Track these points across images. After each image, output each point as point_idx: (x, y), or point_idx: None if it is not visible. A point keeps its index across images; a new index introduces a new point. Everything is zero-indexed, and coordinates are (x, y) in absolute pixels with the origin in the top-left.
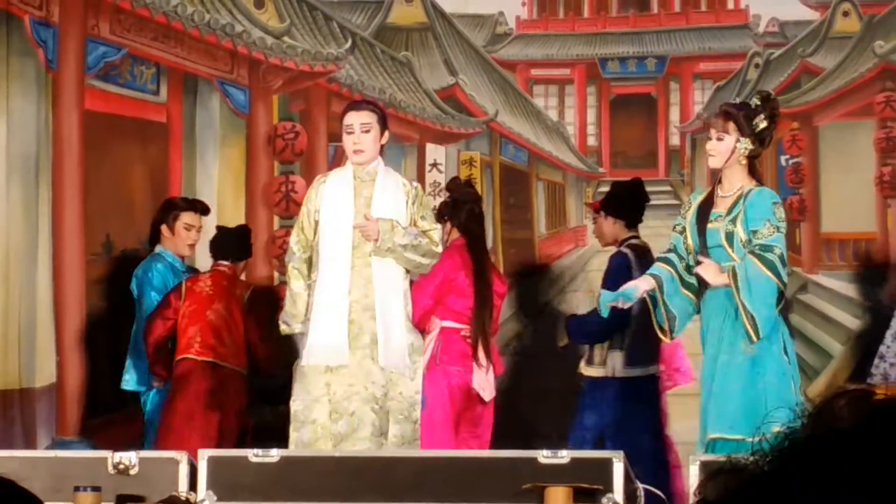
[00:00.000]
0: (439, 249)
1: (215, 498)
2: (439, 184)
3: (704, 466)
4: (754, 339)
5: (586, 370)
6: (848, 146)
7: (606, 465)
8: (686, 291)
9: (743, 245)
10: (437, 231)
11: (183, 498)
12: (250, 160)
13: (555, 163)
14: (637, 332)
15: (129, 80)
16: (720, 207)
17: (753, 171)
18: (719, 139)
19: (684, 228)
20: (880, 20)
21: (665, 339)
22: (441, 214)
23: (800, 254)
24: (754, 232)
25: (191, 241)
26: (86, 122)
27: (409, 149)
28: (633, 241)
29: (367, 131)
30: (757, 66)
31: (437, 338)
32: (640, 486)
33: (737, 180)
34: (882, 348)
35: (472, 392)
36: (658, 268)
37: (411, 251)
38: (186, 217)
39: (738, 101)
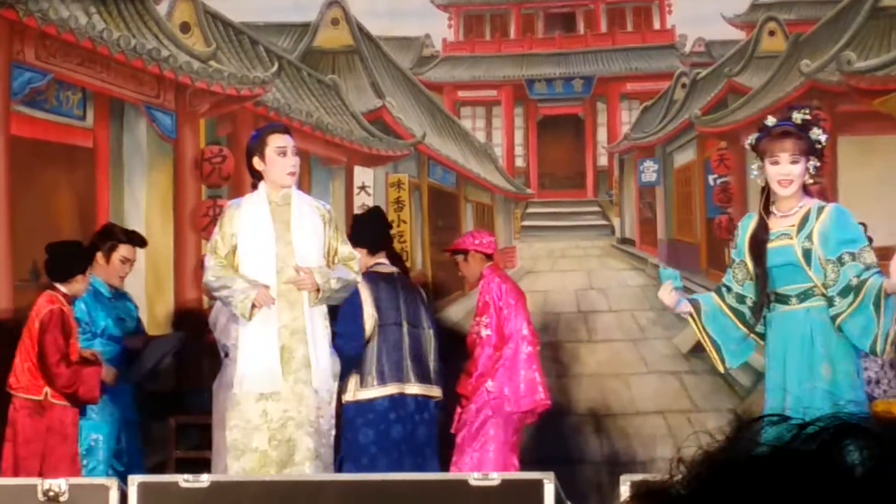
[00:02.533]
0: (359, 279)
1: None
2: (368, 207)
3: (634, 487)
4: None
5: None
6: None
7: (537, 486)
8: (735, 319)
9: (822, 263)
10: (356, 260)
11: None
12: (178, 184)
13: (483, 184)
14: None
15: (56, 106)
16: (780, 226)
17: (805, 187)
18: (795, 162)
19: (735, 261)
20: (806, 39)
21: (718, 367)
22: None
23: None
24: (852, 255)
25: (123, 274)
26: (12, 148)
27: (336, 171)
28: (378, 267)
29: (297, 154)
30: (684, 85)
31: None
32: None
33: (796, 198)
34: (871, 373)
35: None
36: (706, 295)
37: (342, 291)
38: (124, 250)
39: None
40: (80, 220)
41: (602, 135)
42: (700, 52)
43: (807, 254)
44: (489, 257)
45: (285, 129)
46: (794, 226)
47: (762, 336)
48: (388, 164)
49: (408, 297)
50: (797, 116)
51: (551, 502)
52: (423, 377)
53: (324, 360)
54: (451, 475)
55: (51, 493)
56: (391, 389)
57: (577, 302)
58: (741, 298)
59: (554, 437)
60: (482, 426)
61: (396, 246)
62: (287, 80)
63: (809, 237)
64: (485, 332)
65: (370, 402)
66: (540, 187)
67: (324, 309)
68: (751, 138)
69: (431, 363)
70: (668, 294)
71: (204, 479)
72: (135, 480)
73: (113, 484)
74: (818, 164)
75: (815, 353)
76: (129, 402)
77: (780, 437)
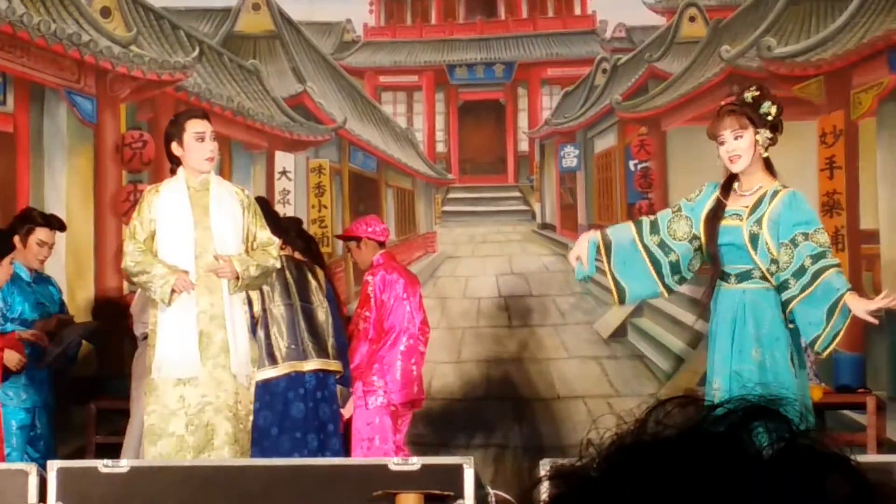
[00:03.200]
0: (278, 265)
1: None
2: (289, 191)
3: (549, 470)
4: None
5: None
6: (696, 150)
7: (457, 471)
8: (648, 262)
9: (770, 249)
10: (275, 246)
11: None
12: (98, 170)
13: (404, 169)
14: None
15: None
16: (736, 205)
17: (771, 168)
18: (738, 137)
19: (682, 213)
20: (726, 25)
21: (615, 303)
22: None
23: None
24: (805, 234)
25: (42, 257)
26: None
27: (257, 157)
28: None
29: (215, 139)
30: (604, 71)
31: None
32: (492, 491)
33: (757, 178)
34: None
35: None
36: (622, 227)
37: (261, 278)
38: (41, 233)
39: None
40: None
41: (523, 120)
42: (621, 37)
43: (753, 238)
44: (382, 245)
45: (204, 115)
46: (747, 207)
47: (670, 291)
48: (309, 150)
49: (297, 275)
50: (747, 95)
51: (471, 487)
52: (321, 352)
53: (242, 346)
54: (371, 460)
55: None
56: (286, 368)
57: (498, 287)
58: (666, 249)
59: (475, 422)
60: (371, 415)
61: (317, 231)
62: (208, 65)
63: (759, 222)
64: (362, 326)
65: (265, 383)
66: (461, 172)
67: (243, 295)
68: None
69: (329, 338)
70: (573, 252)
71: (123, 465)
72: (54, 466)
73: (32, 469)
74: (770, 135)
75: (745, 334)
76: (46, 388)
77: (689, 419)
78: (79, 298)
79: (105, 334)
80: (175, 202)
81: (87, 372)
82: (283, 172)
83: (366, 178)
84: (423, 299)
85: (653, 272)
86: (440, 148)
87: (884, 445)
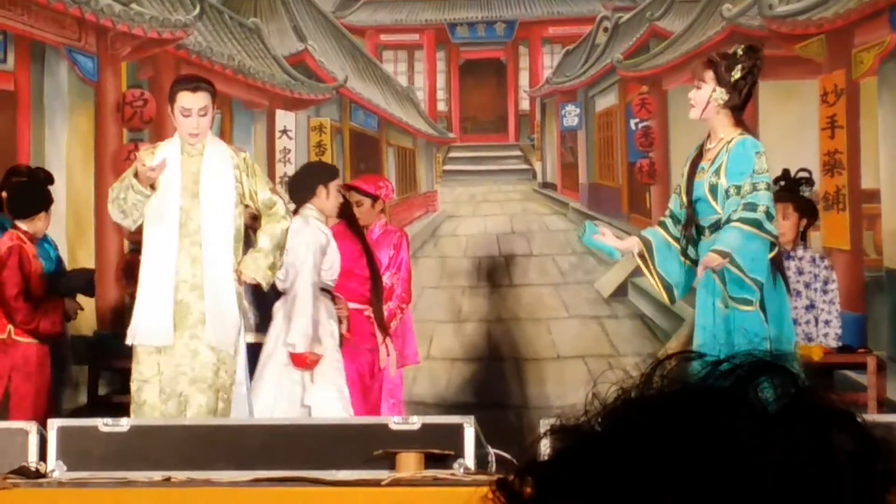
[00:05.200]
0: (289, 222)
1: (65, 468)
2: (289, 150)
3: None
4: (754, 304)
5: None
6: None
7: (457, 430)
8: (684, 258)
9: (727, 195)
10: (280, 203)
11: (33, 468)
12: (99, 128)
13: (405, 128)
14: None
15: None
16: (705, 159)
17: (740, 122)
18: (697, 87)
19: (678, 186)
20: None
21: (665, 301)
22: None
23: (650, 217)
24: (737, 188)
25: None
26: None
27: (258, 115)
28: None
29: (204, 115)
30: (606, 30)
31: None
32: (491, 450)
33: (720, 131)
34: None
35: (380, 366)
36: (651, 230)
37: (279, 250)
38: None
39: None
40: (0, 164)
41: (524, 79)
42: None
43: (713, 188)
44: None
45: (196, 87)
46: (710, 160)
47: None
48: (310, 108)
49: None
50: (738, 50)
51: (471, 446)
52: (260, 325)
53: (227, 317)
54: (372, 419)
55: None
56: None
57: (499, 246)
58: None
59: (475, 381)
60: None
61: None
62: (209, 24)
63: (717, 172)
64: (400, 286)
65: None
66: (462, 131)
67: (231, 264)
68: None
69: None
70: (613, 240)
71: (124, 423)
72: (54, 424)
73: (32, 428)
74: (726, 96)
75: (716, 287)
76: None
77: (694, 373)
78: (80, 257)
79: (103, 293)
80: (166, 170)
81: (87, 331)
82: (284, 131)
83: (367, 137)
84: (425, 258)
85: (688, 261)
86: (441, 107)
87: (884, 405)
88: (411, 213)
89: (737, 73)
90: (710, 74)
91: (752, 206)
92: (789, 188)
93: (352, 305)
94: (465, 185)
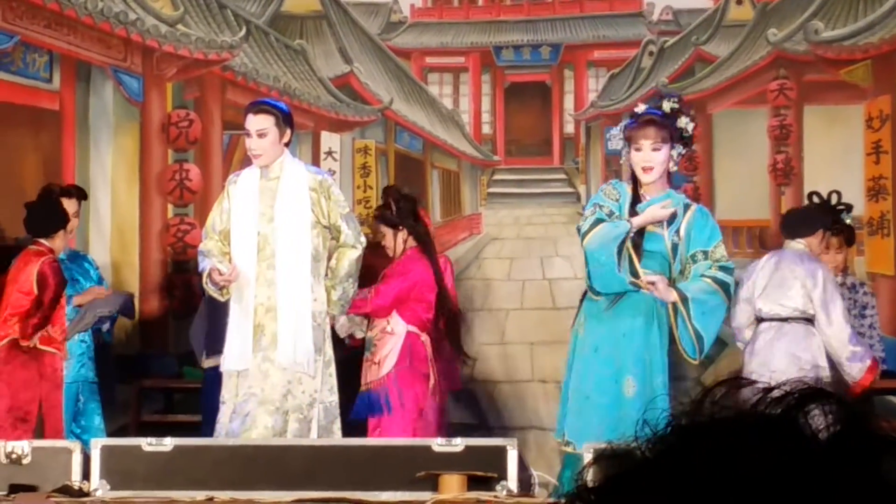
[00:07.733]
0: (359, 251)
1: (108, 487)
2: (334, 172)
3: (598, 451)
4: (697, 357)
5: None
6: (742, 134)
7: (500, 452)
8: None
9: (694, 260)
10: (348, 231)
11: (76, 487)
12: (144, 148)
13: (449, 151)
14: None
15: (22, 68)
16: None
17: (669, 175)
18: (656, 149)
19: (614, 214)
20: (774, 8)
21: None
22: (392, 223)
23: None
24: (704, 253)
25: (70, 229)
26: None
27: (303, 137)
28: None
29: (264, 136)
30: (651, 53)
31: (404, 341)
32: (534, 473)
33: (660, 186)
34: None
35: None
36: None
37: (348, 286)
38: (66, 205)
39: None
40: (45, 184)
41: (569, 102)
42: (668, 20)
43: (675, 247)
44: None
45: (259, 109)
46: (664, 221)
47: None
48: (355, 130)
49: None
50: (666, 105)
51: (514, 468)
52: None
53: (300, 338)
54: (415, 441)
55: (13, 456)
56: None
57: (543, 269)
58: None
59: (517, 404)
60: None
61: (362, 212)
62: (255, 45)
63: (678, 232)
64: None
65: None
66: (506, 154)
67: (307, 285)
68: (621, 125)
69: None
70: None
71: (167, 443)
72: (98, 444)
73: (76, 447)
74: (683, 151)
75: (653, 339)
76: (86, 362)
77: (745, 400)
78: (124, 276)
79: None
80: (245, 196)
81: (131, 350)
82: (329, 153)
83: (411, 159)
84: (469, 280)
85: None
86: (486, 129)
87: None
88: (455, 235)
89: (689, 126)
90: (665, 134)
91: (727, 270)
92: (836, 220)
93: (409, 328)
94: (510, 207)
